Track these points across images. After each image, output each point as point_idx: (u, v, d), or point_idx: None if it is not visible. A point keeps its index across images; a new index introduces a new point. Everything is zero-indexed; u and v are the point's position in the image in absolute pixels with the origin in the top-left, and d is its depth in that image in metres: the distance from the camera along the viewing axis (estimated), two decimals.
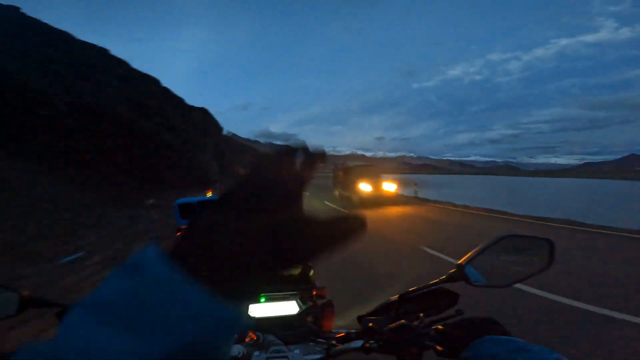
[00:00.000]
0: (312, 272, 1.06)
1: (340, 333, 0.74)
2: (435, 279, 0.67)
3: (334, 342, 0.72)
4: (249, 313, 0.81)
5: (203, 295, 0.18)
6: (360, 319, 0.75)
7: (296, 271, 1.04)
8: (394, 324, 0.62)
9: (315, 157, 0.25)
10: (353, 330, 0.73)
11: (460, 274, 0.65)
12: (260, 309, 0.88)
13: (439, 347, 0.57)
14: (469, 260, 0.65)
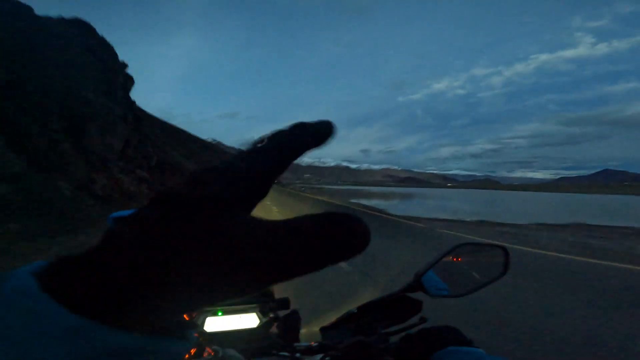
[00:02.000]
0: None
1: (303, 346, 0.72)
2: (395, 290, 0.66)
3: (297, 355, 0.69)
4: (204, 328, 0.81)
5: (81, 326, 0.14)
6: (322, 330, 0.74)
7: None
8: (351, 340, 0.60)
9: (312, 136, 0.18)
10: (315, 343, 0.71)
11: (417, 284, 0.64)
12: (217, 323, 0.86)
13: None
14: (426, 270, 0.64)
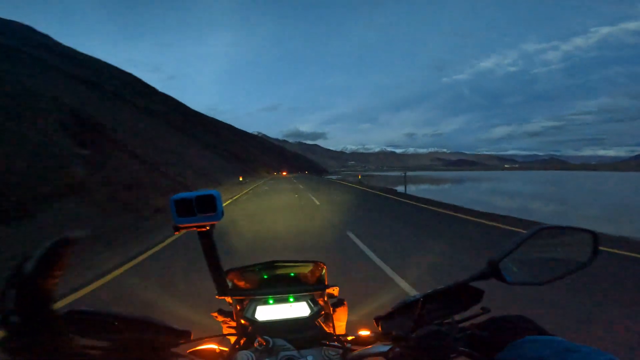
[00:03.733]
0: (324, 271, 0.99)
1: (354, 336, 0.71)
2: (465, 277, 0.61)
3: (349, 345, 0.67)
4: (255, 317, 0.84)
5: None
6: (377, 320, 0.71)
7: (306, 269, 0.99)
8: (423, 329, 0.57)
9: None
10: (370, 333, 0.69)
11: (493, 271, 0.58)
12: (268, 312, 0.84)
13: (475, 353, 0.54)
14: (503, 256, 0.58)
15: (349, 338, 0.71)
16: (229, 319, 0.91)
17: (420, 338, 0.55)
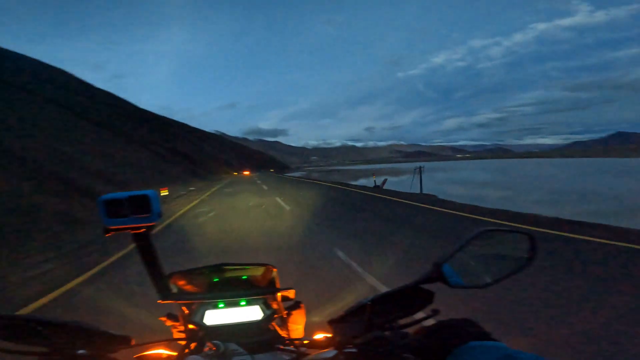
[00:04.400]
0: (274, 273, 0.94)
1: (309, 340, 0.71)
2: (410, 281, 0.61)
3: (303, 349, 0.68)
4: (204, 321, 0.80)
5: None
6: (331, 323, 0.69)
7: (257, 272, 0.95)
8: (367, 335, 0.58)
9: None
10: (324, 337, 0.70)
11: (437, 274, 0.59)
12: (218, 316, 0.81)
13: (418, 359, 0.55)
14: (447, 259, 0.60)
15: (305, 342, 0.70)
16: (178, 324, 0.86)
17: (365, 344, 0.57)
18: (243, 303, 0.84)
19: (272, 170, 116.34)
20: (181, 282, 0.88)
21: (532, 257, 0.62)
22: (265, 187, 21.22)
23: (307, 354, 0.65)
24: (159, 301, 0.77)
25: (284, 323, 0.87)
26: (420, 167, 18.85)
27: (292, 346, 0.70)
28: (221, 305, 0.83)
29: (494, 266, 0.64)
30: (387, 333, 0.57)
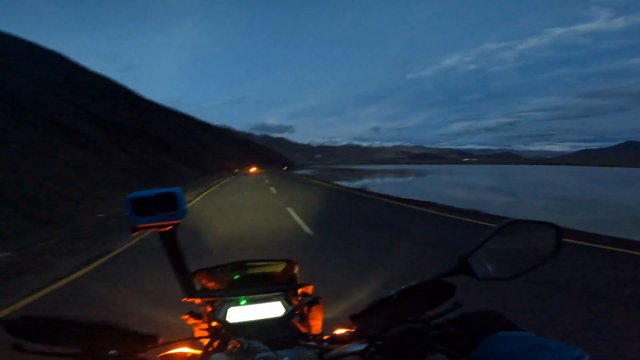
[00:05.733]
0: (296, 269, 0.95)
1: (330, 335, 0.71)
2: (436, 272, 0.61)
3: (326, 344, 0.68)
4: (227, 318, 0.79)
5: None
6: (353, 318, 0.70)
7: (278, 268, 0.95)
8: (398, 327, 0.58)
9: None
10: (346, 332, 0.69)
11: (462, 267, 0.59)
12: (240, 313, 0.81)
13: (451, 350, 0.55)
14: (472, 251, 0.59)
15: (325, 337, 0.71)
16: (200, 322, 0.86)
17: (396, 336, 0.56)
18: (264, 300, 0.85)
19: (285, 168, 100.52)
20: (204, 280, 0.90)
21: (557, 248, 0.62)
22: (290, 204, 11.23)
23: (330, 349, 0.65)
24: (183, 299, 0.78)
25: (304, 319, 0.87)
26: None
27: (314, 342, 0.70)
28: (243, 302, 0.84)
29: (519, 258, 0.64)
30: (418, 325, 0.57)
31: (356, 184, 26.95)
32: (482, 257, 0.60)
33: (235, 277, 0.95)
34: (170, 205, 0.64)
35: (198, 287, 0.85)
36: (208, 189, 21.11)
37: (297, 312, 0.84)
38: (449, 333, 0.56)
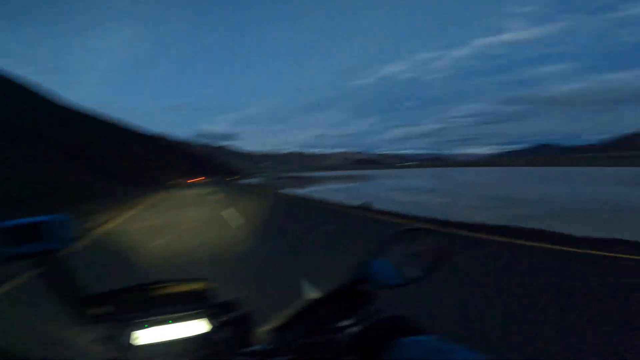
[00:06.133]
0: (209, 287, 0.88)
1: (253, 348, 0.70)
2: (341, 282, 0.64)
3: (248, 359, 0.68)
4: (137, 341, 0.70)
5: None
6: (272, 332, 0.70)
7: (189, 288, 0.88)
8: (308, 338, 0.59)
9: None
10: (260, 347, 0.69)
11: (363, 275, 0.61)
12: (153, 334, 0.75)
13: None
14: (371, 260, 0.62)
15: (248, 351, 0.69)
16: (108, 347, 0.78)
17: (307, 349, 0.56)
18: (179, 319, 0.78)
19: (237, 177, 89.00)
20: (102, 305, 0.79)
21: (450, 255, 0.64)
22: None
23: None
24: (78, 327, 0.72)
25: (229, 334, 0.80)
26: None
27: (238, 357, 0.68)
28: (155, 324, 0.76)
29: (416, 265, 0.64)
30: (321, 337, 0.56)
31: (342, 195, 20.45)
32: (380, 266, 0.62)
33: (144, 299, 0.84)
34: (48, 232, 0.62)
35: (97, 312, 0.78)
36: (106, 222, 11.81)
37: (216, 329, 0.79)
38: (355, 342, 0.56)
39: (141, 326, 0.78)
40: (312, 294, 0.61)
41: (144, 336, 0.76)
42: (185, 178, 67.79)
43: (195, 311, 0.82)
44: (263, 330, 0.70)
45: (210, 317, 0.81)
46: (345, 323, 0.60)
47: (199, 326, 0.79)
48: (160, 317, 0.79)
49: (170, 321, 0.79)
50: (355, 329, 0.59)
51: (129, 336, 0.76)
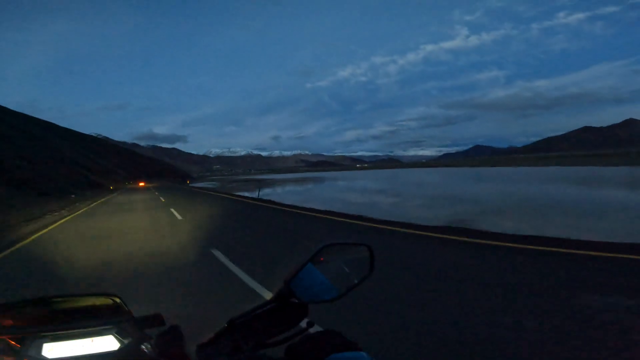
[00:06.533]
0: (119, 301, 0.83)
1: None
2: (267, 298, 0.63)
3: None
4: (43, 355, 0.65)
5: None
6: (199, 348, 0.67)
7: (97, 302, 0.83)
8: (234, 357, 0.57)
9: None
10: None
11: (288, 292, 0.60)
12: (60, 349, 0.68)
13: None
14: (294, 275, 0.61)
15: None
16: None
17: None
18: (88, 334, 0.72)
19: (188, 181, 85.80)
20: (6, 316, 0.74)
21: (372, 266, 0.63)
22: None
23: None
24: None
25: (150, 351, 0.74)
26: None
27: None
28: (62, 338, 0.71)
29: (339, 279, 0.63)
30: (256, 352, 0.55)
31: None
32: (306, 280, 0.61)
33: (48, 312, 0.79)
34: None
35: None
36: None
37: (132, 345, 0.73)
38: (290, 357, 0.55)
39: (55, 339, 0.72)
40: (242, 308, 0.61)
41: (56, 349, 0.70)
42: (130, 182, 64.49)
43: (102, 327, 0.76)
44: (190, 346, 0.66)
45: (121, 333, 0.75)
46: (276, 338, 0.59)
47: (106, 343, 0.73)
48: (62, 332, 0.72)
49: (73, 337, 0.73)
50: (286, 344, 0.58)
51: (40, 349, 0.70)
